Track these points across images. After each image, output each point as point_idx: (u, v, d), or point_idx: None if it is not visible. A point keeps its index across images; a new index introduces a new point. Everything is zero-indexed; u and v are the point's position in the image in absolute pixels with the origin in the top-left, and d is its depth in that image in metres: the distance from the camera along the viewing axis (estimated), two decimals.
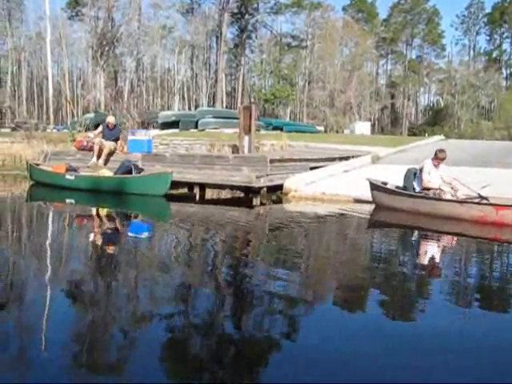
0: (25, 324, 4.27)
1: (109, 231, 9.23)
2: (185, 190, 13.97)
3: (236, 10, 63.19)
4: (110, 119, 15.76)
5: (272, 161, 12.72)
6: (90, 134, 15.59)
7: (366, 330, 4.26)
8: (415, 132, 66.12)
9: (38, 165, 15.16)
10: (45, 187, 14.17)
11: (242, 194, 13.69)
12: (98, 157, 14.80)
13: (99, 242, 8.06)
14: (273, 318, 4.54)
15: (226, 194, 14.17)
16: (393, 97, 74.02)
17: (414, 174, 10.25)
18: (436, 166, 10.10)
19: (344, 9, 75.21)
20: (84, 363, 3.61)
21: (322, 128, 46.57)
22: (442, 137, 26.02)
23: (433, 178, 9.99)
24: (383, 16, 76.34)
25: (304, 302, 5.09)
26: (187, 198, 13.42)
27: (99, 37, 54.04)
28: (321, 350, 3.84)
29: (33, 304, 4.71)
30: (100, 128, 15.65)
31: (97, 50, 53.98)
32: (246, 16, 64.66)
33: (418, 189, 10.13)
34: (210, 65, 68.19)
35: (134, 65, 58.35)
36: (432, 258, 7.38)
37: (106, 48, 54.58)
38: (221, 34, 60.91)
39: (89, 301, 4.92)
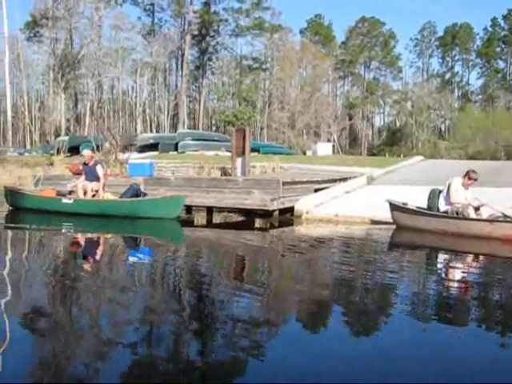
0: None
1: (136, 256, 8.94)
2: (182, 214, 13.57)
3: (197, 32, 63.32)
4: (85, 153, 13.73)
5: (284, 183, 12.63)
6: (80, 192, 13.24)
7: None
8: (374, 152, 67.12)
9: (19, 189, 14.56)
10: (28, 213, 13.49)
11: (240, 218, 13.47)
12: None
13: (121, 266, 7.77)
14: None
15: (217, 218, 13.85)
16: (351, 118, 75.23)
17: (438, 194, 10.28)
18: (465, 186, 10.16)
19: (301, 32, 76.33)
20: None
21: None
22: (421, 157, 26.55)
23: (460, 196, 10.04)
24: (341, 39, 77.97)
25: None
26: (189, 222, 13.02)
27: (60, 58, 53.15)
28: None
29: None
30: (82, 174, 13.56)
31: (57, 71, 53.01)
32: (207, 38, 64.90)
33: (442, 209, 10.17)
34: (170, 86, 67.97)
35: (94, 87, 57.48)
36: (459, 281, 7.14)
37: (67, 70, 53.69)
38: (182, 55, 60.88)
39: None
